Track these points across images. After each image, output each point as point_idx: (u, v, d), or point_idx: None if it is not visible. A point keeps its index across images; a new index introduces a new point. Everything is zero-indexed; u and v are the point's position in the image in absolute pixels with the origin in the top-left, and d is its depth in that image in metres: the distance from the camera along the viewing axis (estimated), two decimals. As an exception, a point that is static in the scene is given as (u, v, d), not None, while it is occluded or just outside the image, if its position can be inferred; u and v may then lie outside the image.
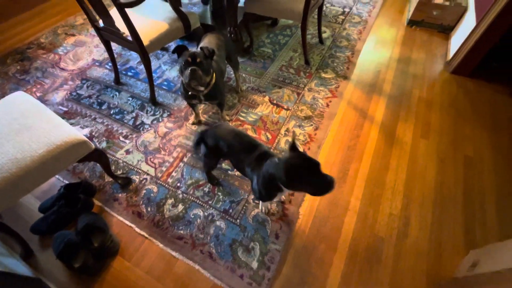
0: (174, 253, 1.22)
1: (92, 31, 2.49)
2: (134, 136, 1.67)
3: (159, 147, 1.61)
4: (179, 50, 1.30)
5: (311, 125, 1.71)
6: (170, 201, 1.39)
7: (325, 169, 1.47)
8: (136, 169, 1.52)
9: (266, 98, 1.87)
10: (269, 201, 1.23)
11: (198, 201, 1.38)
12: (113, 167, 1.52)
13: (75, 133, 1.09)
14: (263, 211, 1.32)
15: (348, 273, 1.16)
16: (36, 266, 1.19)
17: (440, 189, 1.42)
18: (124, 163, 1.55)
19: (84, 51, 2.30)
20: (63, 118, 1.75)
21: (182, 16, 1.68)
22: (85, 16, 1.74)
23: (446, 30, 2.41)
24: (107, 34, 1.71)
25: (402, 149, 1.59)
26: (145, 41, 1.56)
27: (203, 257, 1.20)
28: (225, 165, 1.51)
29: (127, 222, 1.32)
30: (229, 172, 1.49)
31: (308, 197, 1.39)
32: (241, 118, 1.75)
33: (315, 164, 0.85)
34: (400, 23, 2.56)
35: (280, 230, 1.28)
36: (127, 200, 1.39)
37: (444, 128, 1.69)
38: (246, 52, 2.21)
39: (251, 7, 1.95)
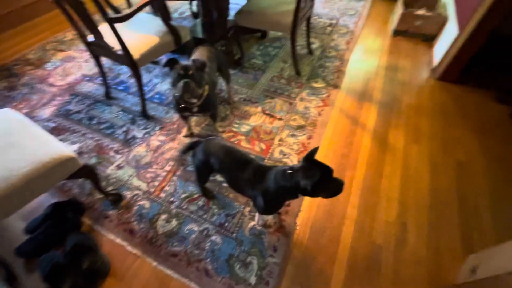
0: (168, 271, 1.17)
1: (81, 46, 2.47)
2: (125, 150, 1.64)
3: (151, 161, 1.58)
4: (171, 63, 1.29)
5: (304, 134, 1.71)
6: (163, 216, 1.34)
7: (320, 178, 1.47)
8: (127, 185, 1.47)
9: (259, 109, 1.87)
10: (273, 214, 1.22)
11: (192, 215, 1.34)
12: (103, 183, 1.48)
13: (63, 149, 1.06)
14: (260, 223, 1.29)
15: (349, 285, 1.13)
16: (21, 292, 1.12)
17: (434, 194, 1.42)
18: (115, 179, 1.50)
19: (73, 66, 2.28)
20: (51, 134, 1.72)
21: (172, 30, 1.69)
22: (74, 32, 1.73)
23: (429, 39, 2.50)
24: (97, 49, 1.70)
25: (395, 155, 1.60)
26: (136, 55, 1.55)
27: (199, 274, 1.16)
28: (219, 177, 1.49)
29: (118, 241, 1.26)
30: (223, 184, 1.46)
31: (304, 207, 1.37)
32: (234, 129, 1.74)
33: (331, 170, 0.89)
34: (385, 33, 2.65)
35: (277, 242, 1.25)
36: (118, 217, 1.34)
37: (434, 134, 1.72)
38: (237, 64, 2.23)
39: (241, 20, 1.99)
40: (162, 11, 1.63)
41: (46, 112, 1.89)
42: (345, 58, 2.32)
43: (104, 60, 2.26)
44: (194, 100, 1.35)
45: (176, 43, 1.74)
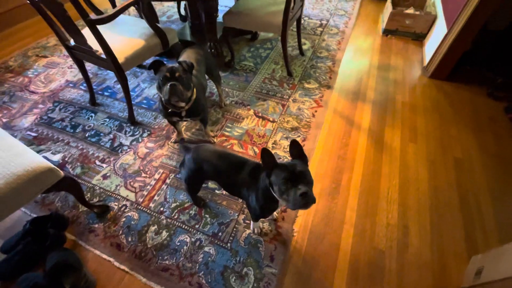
0: (159, 288, 1.09)
1: (65, 52, 2.38)
2: (111, 159, 1.55)
3: (140, 169, 1.50)
4: (156, 66, 1.23)
5: (299, 136, 1.66)
6: (153, 228, 1.26)
7: (317, 181, 1.42)
8: (114, 195, 1.39)
9: (251, 112, 1.82)
10: (266, 218, 1.15)
11: (184, 226, 1.27)
12: (88, 195, 1.39)
13: (40, 160, 0.98)
14: (255, 232, 1.23)
15: (351, 293, 1.08)
16: (-4, 319, 1.02)
17: (434, 193, 1.39)
18: (101, 190, 1.42)
19: (56, 73, 2.19)
20: (31, 144, 1.63)
21: (159, 32, 1.62)
22: (57, 37, 1.65)
23: (420, 38, 2.50)
24: (80, 53, 1.62)
25: (392, 155, 1.56)
26: (120, 59, 1.48)
27: (192, 289, 1.08)
28: (211, 184, 1.42)
29: (105, 256, 1.18)
30: (216, 191, 1.39)
31: (301, 212, 1.32)
32: (226, 133, 1.68)
33: (298, 174, 0.79)
34: (375, 32, 2.64)
35: (274, 251, 1.18)
36: (105, 231, 1.26)
37: (430, 131, 1.70)
38: (227, 67, 2.18)
39: (230, 21, 1.94)
40: (147, 12, 1.56)
41: (27, 120, 1.79)
42: (337, 59, 2.30)
43: (89, 66, 2.18)
44: (182, 104, 1.28)
45: (163, 45, 1.67)
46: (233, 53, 2.18)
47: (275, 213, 1.28)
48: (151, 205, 1.35)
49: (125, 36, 1.61)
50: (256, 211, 1.02)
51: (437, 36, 2.14)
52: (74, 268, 1.06)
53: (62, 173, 1.04)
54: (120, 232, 1.25)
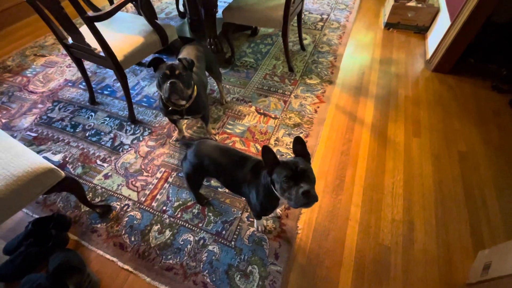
0: (163, 287, 1.08)
1: (63, 50, 2.35)
2: (113, 158, 1.54)
3: (141, 168, 1.49)
4: (155, 63, 1.20)
5: (301, 132, 1.64)
6: (156, 227, 1.25)
7: (320, 177, 1.41)
8: (116, 195, 1.38)
9: (253, 108, 1.80)
10: (268, 215, 1.14)
11: (187, 224, 1.26)
12: (90, 195, 1.38)
13: (40, 161, 0.96)
14: (259, 229, 1.22)
15: (357, 290, 1.07)
16: (0, 321, 1.01)
17: (439, 188, 1.37)
18: (103, 189, 1.40)
19: (55, 72, 2.16)
20: (31, 144, 1.61)
21: (158, 29, 1.60)
22: (55, 36, 1.63)
23: (422, 31, 2.47)
24: (78, 52, 1.60)
25: (396, 150, 1.54)
26: (119, 56, 1.46)
27: (197, 288, 1.07)
28: (214, 182, 1.41)
29: (108, 256, 1.17)
30: (219, 189, 1.38)
31: (305, 209, 1.30)
32: (228, 131, 1.66)
33: (300, 172, 0.78)
34: (377, 26, 2.61)
35: (279, 248, 1.17)
36: (108, 231, 1.25)
37: (434, 125, 1.67)
38: (228, 63, 2.15)
39: (230, 17, 1.91)
40: (146, 9, 1.53)
41: (27, 121, 1.77)
42: (338, 53, 2.27)
43: (88, 64, 2.15)
44: (183, 102, 1.26)
45: (162, 42, 1.65)
46: (233, 49, 2.15)
47: (278, 210, 1.27)
48: (154, 204, 1.34)
49: (124, 33, 1.58)
50: (257, 208, 1.01)
51: (440, 29, 2.11)
52: (77, 269, 1.05)
53: (63, 173, 1.03)
54: (123, 232, 1.24)
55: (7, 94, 1.97)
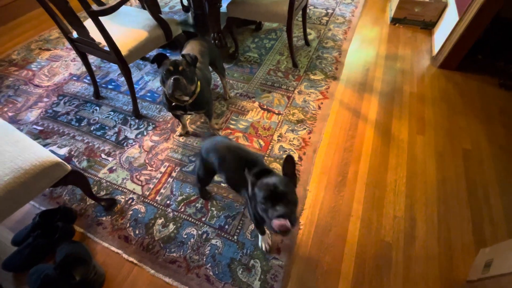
0: (167, 279, 1.10)
1: (68, 44, 2.36)
2: (117, 152, 1.56)
3: (145, 162, 1.50)
4: (159, 59, 1.21)
5: (305, 128, 1.64)
6: (160, 221, 1.27)
7: (323, 173, 1.41)
8: (121, 189, 1.40)
9: (256, 104, 1.80)
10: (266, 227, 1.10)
11: (190, 218, 1.28)
12: (95, 188, 1.40)
13: (47, 154, 0.98)
14: (263, 248, 1.15)
15: (358, 285, 1.08)
16: (10, 309, 1.04)
17: (442, 185, 1.37)
18: (108, 183, 1.43)
19: (60, 66, 2.18)
20: (38, 138, 1.64)
21: (162, 23, 1.59)
22: (60, 30, 1.64)
23: (429, 26, 2.43)
24: (82, 46, 1.60)
25: (400, 147, 1.54)
26: (124, 51, 1.46)
27: (200, 281, 1.09)
28: (217, 177, 1.42)
29: (113, 248, 1.19)
30: (222, 184, 1.39)
31: (308, 205, 1.31)
32: (231, 126, 1.67)
33: (279, 194, 0.74)
34: (383, 21, 2.57)
35: (281, 243, 1.19)
36: (112, 224, 1.27)
37: (438, 123, 1.66)
38: (231, 58, 2.14)
39: (234, 11, 1.90)
40: (150, 3, 1.53)
41: (33, 114, 1.80)
42: (343, 49, 2.25)
43: (92, 58, 2.16)
44: (186, 98, 1.27)
45: (167, 37, 1.65)
46: (237, 44, 2.14)
47: (265, 244, 1.16)
48: (158, 198, 1.35)
49: (128, 27, 1.58)
50: (252, 218, 0.97)
51: (448, 24, 2.07)
52: (83, 260, 1.08)
53: (69, 167, 1.05)
54: (128, 225, 1.27)
55: (13, 88, 1.99)
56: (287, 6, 1.72)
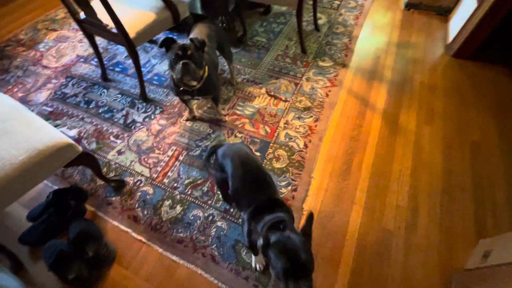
0: (174, 258, 1.15)
1: (75, 25, 2.34)
2: (125, 135, 1.58)
3: (153, 146, 1.53)
4: (167, 43, 1.19)
5: (311, 116, 1.64)
6: (167, 202, 1.31)
7: (328, 161, 1.42)
8: (129, 171, 1.44)
9: (263, 90, 1.78)
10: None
11: (197, 201, 1.31)
12: (104, 170, 1.44)
13: (60, 135, 1.00)
14: (257, 268, 1.10)
15: (358, 270, 1.12)
16: (28, 280, 1.11)
17: (447, 177, 1.37)
18: (117, 165, 1.46)
19: (67, 47, 2.17)
20: (48, 119, 1.67)
21: (170, 5, 1.56)
22: (66, 10, 1.62)
23: (445, 13, 2.33)
24: (90, 27, 1.59)
25: (407, 137, 1.53)
26: (131, 33, 1.45)
27: (205, 260, 1.14)
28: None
29: (122, 227, 1.25)
30: (228, 169, 1.42)
31: (311, 192, 1.34)
32: (238, 112, 1.67)
33: (301, 266, 0.68)
34: (397, 6, 2.47)
35: (284, 228, 1.22)
36: (122, 204, 1.32)
37: (448, 114, 1.64)
38: (239, 42, 2.11)
39: (243, -7, 1.84)
40: (157, -17, 1.50)
41: (42, 95, 1.82)
42: (354, 35, 2.18)
43: (99, 40, 2.14)
44: (194, 83, 1.27)
45: (174, 20, 1.62)
46: (245, 28, 2.10)
47: (258, 265, 1.11)
48: (165, 180, 1.39)
49: (136, 9, 1.56)
50: (245, 242, 0.93)
51: (465, 10, 1.99)
52: (95, 237, 1.13)
53: (80, 148, 1.08)
54: (136, 205, 1.31)
55: (21, 68, 2.01)
56: (298, -11, 1.66)
